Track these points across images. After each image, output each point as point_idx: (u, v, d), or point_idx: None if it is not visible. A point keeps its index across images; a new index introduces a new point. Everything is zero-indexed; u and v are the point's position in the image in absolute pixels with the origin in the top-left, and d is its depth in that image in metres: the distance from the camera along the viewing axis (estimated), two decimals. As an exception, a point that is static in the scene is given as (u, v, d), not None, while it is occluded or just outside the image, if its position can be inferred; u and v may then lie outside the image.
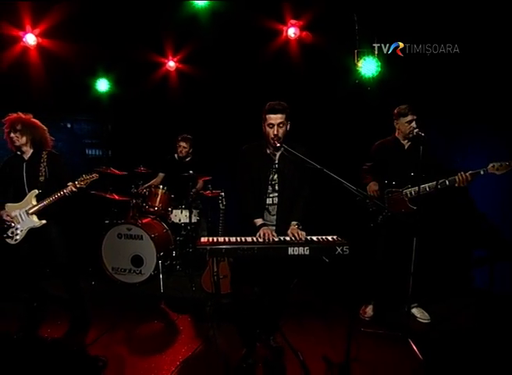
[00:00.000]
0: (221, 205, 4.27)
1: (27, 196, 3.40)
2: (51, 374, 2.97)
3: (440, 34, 4.44)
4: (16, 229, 3.39)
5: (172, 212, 5.10)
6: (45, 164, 3.45)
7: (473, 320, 3.82)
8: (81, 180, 3.39)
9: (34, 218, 3.40)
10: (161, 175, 5.54)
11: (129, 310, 4.02)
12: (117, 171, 4.91)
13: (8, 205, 3.42)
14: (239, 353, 3.05)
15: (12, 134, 3.38)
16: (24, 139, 3.42)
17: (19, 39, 5.07)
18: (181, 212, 5.10)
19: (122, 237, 4.69)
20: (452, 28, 4.39)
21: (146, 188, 5.16)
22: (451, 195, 3.79)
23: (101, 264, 4.73)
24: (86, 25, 5.02)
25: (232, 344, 3.28)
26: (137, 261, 4.65)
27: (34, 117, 3.55)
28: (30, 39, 5.08)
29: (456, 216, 4.56)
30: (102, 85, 6.17)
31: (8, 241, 3.40)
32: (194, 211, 5.12)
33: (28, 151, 3.48)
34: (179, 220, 5.11)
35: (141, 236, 4.62)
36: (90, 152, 6.82)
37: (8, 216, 3.39)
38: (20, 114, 3.46)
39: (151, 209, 4.96)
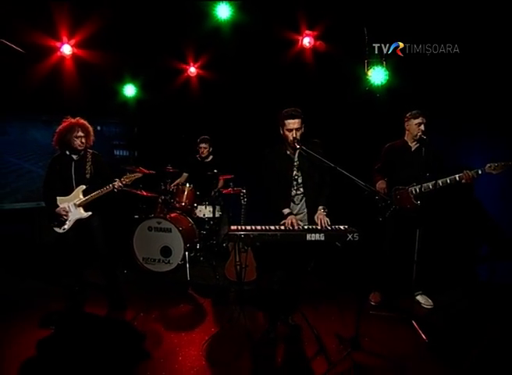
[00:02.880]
0: (242, 201, 4.67)
1: (75, 191, 3.79)
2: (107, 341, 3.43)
3: (440, 34, 4.52)
4: (65, 219, 3.80)
5: (197, 208, 5.49)
6: (90, 163, 3.83)
7: (473, 306, 4.11)
8: (126, 177, 3.74)
9: (81, 210, 3.80)
10: (185, 175, 5.93)
11: (159, 295, 4.42)
12: (145, 170, 5.30)
13: (59, 199, 3.81)
14: (261, 330, 3.46)
15: (76, 140, 3.71)
16: (86, 144, 3.80)
17: (56, 49, 5.54)
18: (205, 208, 5.48)
19: (152, 230, 5.08)
20: (452, 28, 4.47)
21: (174, 186, 5.53)
22: (456, 193, 4.07)
23: (132, 254, 5.12)
24: (115, 36, 5.42)
25: (255, 322, 3.70)
26: (166, 251, 5.03)
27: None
28: (67, 49, 5.54)
29: (460, 213, 4.76)
30: (129, 90, 6.61)
31: (57, 229, 3.82)
32: (217, 207, 5.47)
33: (80, 152, 3.83)
34: (204, 215, 5.49)
35: (170, 229, 5.00)
36: (117, 153, 7.29)
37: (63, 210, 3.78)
38: (84, 121, 3.81)
39: (178, 205, 5.34)
